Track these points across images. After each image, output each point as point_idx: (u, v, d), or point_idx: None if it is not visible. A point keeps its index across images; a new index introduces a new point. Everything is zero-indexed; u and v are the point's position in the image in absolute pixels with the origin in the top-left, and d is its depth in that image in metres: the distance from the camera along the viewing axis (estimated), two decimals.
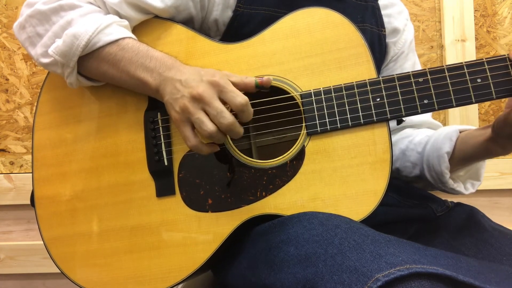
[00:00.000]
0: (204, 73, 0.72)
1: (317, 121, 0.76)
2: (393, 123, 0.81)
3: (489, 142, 0.78)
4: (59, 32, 0.76)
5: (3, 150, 1.60)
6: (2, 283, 1.61)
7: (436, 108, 0.74)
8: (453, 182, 0.86)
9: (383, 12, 0.97)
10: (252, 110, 0.71)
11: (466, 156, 0.83)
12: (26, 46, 0.81)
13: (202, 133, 0.70)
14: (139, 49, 0.76)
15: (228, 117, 0.69)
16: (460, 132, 0.85)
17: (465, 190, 0.87)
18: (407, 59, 1.02)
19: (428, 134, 0.93)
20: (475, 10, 1.50)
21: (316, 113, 0.76)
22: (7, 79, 1.58)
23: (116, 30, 0.76)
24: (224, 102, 0.70)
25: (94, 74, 0.80)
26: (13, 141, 1.59)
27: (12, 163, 1.59)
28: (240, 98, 0.69)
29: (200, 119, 0.69)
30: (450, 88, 0.73)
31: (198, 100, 0.70)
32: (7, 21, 1.56)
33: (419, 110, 0.74)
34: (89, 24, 0.75)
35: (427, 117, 1.02)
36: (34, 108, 0.87)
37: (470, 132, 0.84)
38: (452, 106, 0.73)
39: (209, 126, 0.69)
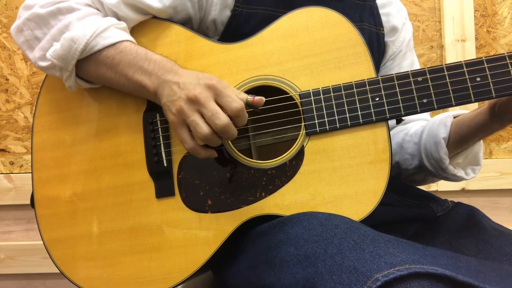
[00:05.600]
0: (202, 76, 0.72)
1: (316, 121, 0.76)
2: (392, 122, 0.81)
3: (488, 120, 0.79)
4: (57, 35, 0.76)
5: (3, 150, 1.60)
6: (2, 283, 1.61)
7: (436, 107, 0.73)
8: (453, 168, 0.86)
9: (381, 11, 0.97)
10: (247, 115, 0.71)
11: (462, 138, 0.84)
12: (24, 49, 0.81)
13: (197, 135, 0.70)
14: (137, 52, 0.76)
15: (223, 118, 0.68)
16: (454, 117, 0.86)
17: (466, 175, 0.87)
18: (405, 57, 1.02)
19: (422, 124, 0.94)
20: (475, 10, 1.50)
21: (315, 113, 0.76)
22: (7, 79, 1.58)
23: (114, 33, 0.76)
24: (219, 106, 0.70)
25: (92, 77, 0.80)
26: (13, 141, 1.59)
27: (12, 163, 1.60)
28: (236, 103, 0.69)
29: (195, 121, 0.69)
30: (450, 87, 0.73)
31: (194, 101, 0.70)
32: (7, 21, 1.56)
33: (418, 109, 0.74)
34: (87, 27, 0.75)
35: (424, 115, 1.02)
36: (34, 108, 0.87)
37: (464, 116, 0.85)
38: (451, 105, 0.73)
39: (204, 128, 0.69)
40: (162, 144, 0.81)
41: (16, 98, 1.58)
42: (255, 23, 0.83)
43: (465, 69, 0.73)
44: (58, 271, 0.83)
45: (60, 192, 0.84)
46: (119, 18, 0.80)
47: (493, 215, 0.88)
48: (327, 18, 0.79)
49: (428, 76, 0.74)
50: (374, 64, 0.77)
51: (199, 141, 0.72)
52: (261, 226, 0.77)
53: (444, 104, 0.73)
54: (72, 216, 0.83)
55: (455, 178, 0.88)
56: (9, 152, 1.60)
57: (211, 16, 0.84)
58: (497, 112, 0.76)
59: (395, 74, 0.75)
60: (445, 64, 0.73)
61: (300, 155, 0.77)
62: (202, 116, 0.70)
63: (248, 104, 0.71)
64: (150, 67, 0.75)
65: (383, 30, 0.96)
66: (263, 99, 0.72)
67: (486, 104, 0.79)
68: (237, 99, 0.70)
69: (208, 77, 0.72)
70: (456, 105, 0.73)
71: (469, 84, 0.72)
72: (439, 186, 1.49)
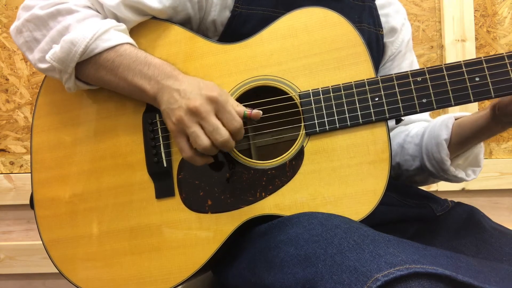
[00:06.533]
0: (204, 85, 0.72)
1: (316, 121, 0.76)
2: (391, 122, 0.81)
3: (489, 122, 0.79)
4: (56, 37, 0.76)
5: (3, 150, 1.60)
6: (2, 283, 1.61)
7: (435, 107, 0.73)
8: (454, 169, 0.86)
9: (380, 11, 0.97)
10: (243, 131, 0.72)
11: (463, 140, 0.84)
12: (24, 51, 0.81)
13: (197, 146, 0.71)
14: (137, 55, 0.76)
15: (223, 134, 0.70)
16: (455, 119, 0.86)
17: (466, 176, 0.88)
18: (405, 58, 1.02)
19: (424, 126, 0.94)
20: (475, 10, 1.50)
21: (314, 113, 0.76)
22: (7, 79, 1.58)
23: (114, 36, 0.76)
24: (219, 120, 0.71)
25: (91, 79, 0.79)
26: (13, 141, 1.59)
27: (12, 163, 1.60)
28: (236, 122, 0.70)
29: (195, 132, 0.70)
30: (449, 87, 0.73)
31: (194, 113, 0.70)
32: (7, 21, 1.56)
33: (418, 109, 0.74)
34: (87, 30, 0.74)
35: (425, 115, 1.02)
36: (33, 108, 0.87)
37: (466, 117, 0.85)
38: (450, 105, 0.73)
39: (204, 141, 0.70)
40: (161, 145, 0.81)
41: (16, 98, 1.58)
42: (255, 24, 0.83)
43: (464, 69, 0.73)
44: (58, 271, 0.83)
45: (60, 193, 0.84)
46: (118, 19, 0.79)
47: (493, 215, 0.88)
48: (326, 18, 0.79)
49: (427, 76, 0.74)
50: (373, 64, 0.77)
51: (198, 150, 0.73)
52: (261, 226, 0.77)
53: (443, 104, 0.73)
54: (72, 217, 0.83)
55: (456, 179, 0.88)
56: (9, 152, 1.60)
57: (210, 16, 0.84)
58: (498, 115, 0.77)
59: (395, 74, 0.75)
60: (444, 64, 0.73)
61: (300, 155, 0.77)
62: (202, 128, 0.70)
63: (245, 117, 0.72)
64: (150, 71, 0.75)
65: (382, 31, 0.96)
66: (261, 112, 0.73)
67: (488, 106, 0.79)
68: (237, 116, 0.71)
69: (210, 87, 0.72)
70: (456, 105, 0.73)
71: (468, 84, 0.72)
72: (439, 186, 1.49)
